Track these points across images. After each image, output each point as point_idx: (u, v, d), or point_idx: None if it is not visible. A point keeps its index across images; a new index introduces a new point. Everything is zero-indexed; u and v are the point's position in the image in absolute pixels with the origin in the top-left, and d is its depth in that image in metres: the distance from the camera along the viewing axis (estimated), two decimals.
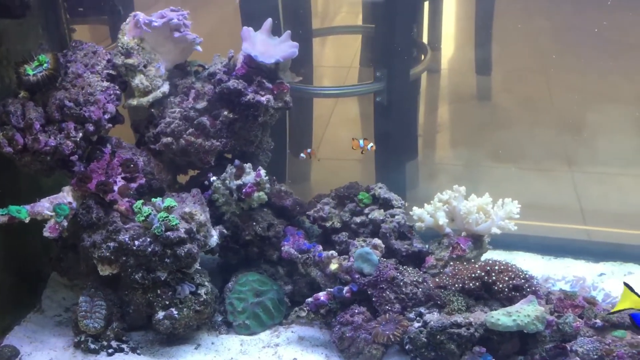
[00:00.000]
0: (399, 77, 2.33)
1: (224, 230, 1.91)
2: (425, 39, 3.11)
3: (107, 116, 1.80)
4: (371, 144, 1.95)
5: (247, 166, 1.91)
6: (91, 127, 1.77)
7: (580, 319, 1.66)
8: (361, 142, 1.94)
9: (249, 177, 1.89)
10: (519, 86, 3.26)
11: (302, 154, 1.99)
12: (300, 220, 2.04)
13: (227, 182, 1.90)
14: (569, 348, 1.62)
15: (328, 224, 1.95)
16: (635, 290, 1.34)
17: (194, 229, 1.78)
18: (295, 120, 2.70)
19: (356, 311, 1.79)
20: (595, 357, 1.58)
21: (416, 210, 1.89)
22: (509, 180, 2.72)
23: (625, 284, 1.38)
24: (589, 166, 2.72)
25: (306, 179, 2.82)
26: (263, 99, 1.86)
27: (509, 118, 3.11)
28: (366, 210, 1.93)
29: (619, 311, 1.41)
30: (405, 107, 2.43)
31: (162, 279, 1.78)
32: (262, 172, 1.89)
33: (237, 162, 1.91)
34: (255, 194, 1.89)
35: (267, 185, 1.91)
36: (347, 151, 3.02)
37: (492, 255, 1.95)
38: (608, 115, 2.81)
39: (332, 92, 2.45)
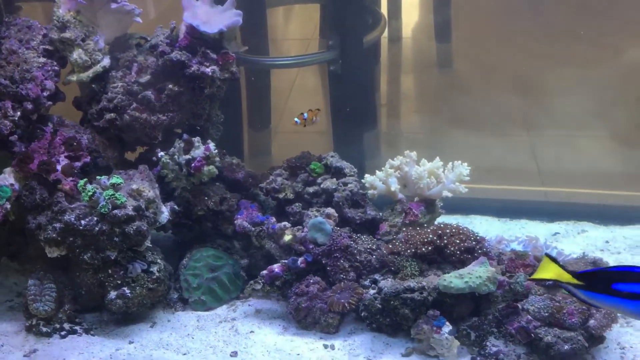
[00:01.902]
0: (352, 45, 2.30)
1: (175, 207, 1.88)
2: (385, 8, 3.08)
3: (45, 93, 1.74)
4: (316, 118, 1.91)
5: (196, 140, 1.87)
6: (29, 106, 1.72)
7: None
8: (305, 114, 1.90)
9: (198, 151, 1.86)
10: (479, 52, 3.25)
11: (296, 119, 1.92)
12: (255, 193, 2.02)
13: (175, 157, 1.86)
14: (520, 307, 1.63)
15: (281, 196, 1.92)
16: (558, 261, 1.35)
17: (143, 206, 1.75)
18: (252, 93, 2.66)
19: (311, 281, 1.78)
20: (546, 314, 1.59)
21: (368, 178, 1.88)
22: (470, 146, 2.72)
23: (547, 254, 1.38)
24: (546, 129, 2.73)
25: (267, 152, 2.79)
26: (208, 70, 1.81)
27: (469, 85, 3.10)
28: (319, 180, 1.92)
29: (540, 279, 1.40)
30: (361, 76, 2.40)
31: (112, 258, 1.74)
32: (212, 145, 1.86)
33: (185, 136, 1.87)
34: (205, 168, 1.86)
35: (217, 159, 1.87)
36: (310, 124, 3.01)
37: (449, 219, 1.95)
38: (564, 78, 2.82)
39: (283, 62, 2.42)
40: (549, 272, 1.34)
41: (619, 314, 1.61)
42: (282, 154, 2.84)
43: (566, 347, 1.55)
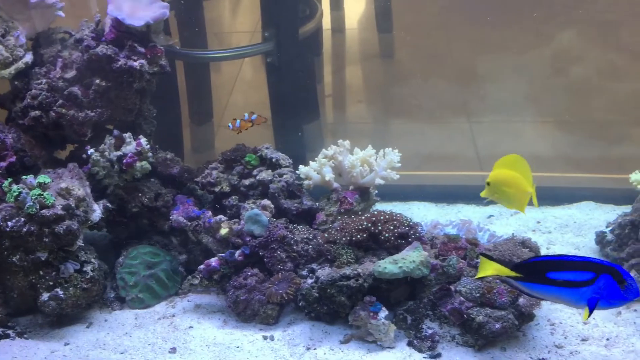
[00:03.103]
0: (288, 36, 2.29)
1: (108, 204, 1.84)
2: None
3: None
4: (255, 115, 1.90)
5: (127, 136, 1.84)
6: None
7: (463, 260, 1.70)
8: (246, 114, 1.89)
9: (130, 147, 1.83)
10: (420, 42, 3.29)
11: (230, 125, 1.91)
12: (192, 188, 2.00)
13: (106, 153, 1.83)
14: (453, 289, 1.66)
15: (217, 189, 1.91)
16: (493, 258, 1.41)
17: (73, 205, 1.71)
18: (192, 88, 2.63)
19: (249, 273, 1.78)
20: (477, 294, 1.63)
21: (302, 168, 1.88)
22: (413, 133, 2.76)
23: (482, 254, 1.43)
24: (485, 115, 2.79)
25: (210, 147, 2.77)
26: (136, 64, 1.78)
27: (410, 74, 3.14)
28: (254, 172, 1.91)
29: (483, 277, 1.47)
30: (300, 67, 2.40)
31: (43, 259, 1.70)
32: (143, 140, 1.83)
33: (115, 132, 1.84)
34: (138, 164, 1.83)
35: (150, 154, 1.84)
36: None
37: (388, 207, 1.97)
38: (502, 66, 2.88)
39: (219, 55, 2.39)
40: (488, 269, 1.40)
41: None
42: (226, 148, 2.83)
43: (497, 325, 1.59)
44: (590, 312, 1.31)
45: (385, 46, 3.39)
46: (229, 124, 1.89)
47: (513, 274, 1.37)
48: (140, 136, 1.84)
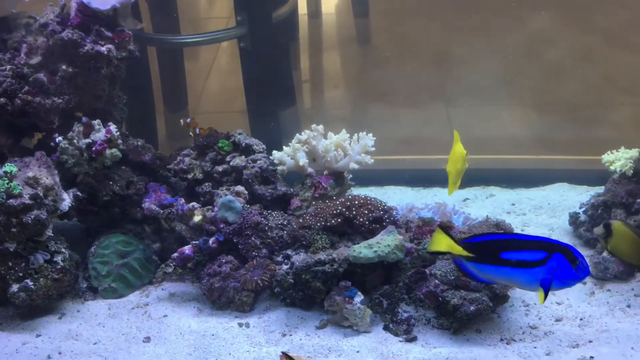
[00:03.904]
0: (261, 20, 2.26)
1: (78, 193, 1.80)
2: None
3: None
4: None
5: (96, 123, 1.80)
6: None
7: None
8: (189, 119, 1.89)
9: (99, 135, 1.79)
10: (396, 27, 3.27)
11: (181, 120, 1.91)
12: (164, 176, 1.97)
13: (75, 141, 1.79)
14: (428, 272, 1.66)
15: (190, 176, 1.88)
16: (450, 232, 1.35)
17: (41, 194, 1.67)
18: (166, 74, 2.59)
19: (223, 261, 1.76)
20: (452, 277, 1.63)
21: (276, 154, 1.86)
22: (390, 118, 2.75)
23: (440, 225, 1.39)
24: (461, 99, 2.79)
25: (186, 134, 2.73)
26: (103, 49, 1.74)
27: (387, 59, 3.12)
28: (228, 158, 1.89)
29: (436, 253, 1.42)
30: (274, 53, 2.37)
31: (12, 250, 1.67)
32: (113, 127, 1.79)
33: (84, 119, 1.80)
34: (108, 152, 1.79)
35: (120, 141, 1.81)
36: (227, 103, 2.95)
37: (365, 191, 1.97)
38: (478, 49, 2.88)
39: (190, 40, 2.35)
40: (441, 245, 1.34)
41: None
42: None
43: (472, 308, 1.59)
44: (546, 293, 1.28)
45: (362, 31, 3.37)
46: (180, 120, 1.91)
47: (465, 253, 1.31)
48: (110, 123, 1.80)
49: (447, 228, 1.44)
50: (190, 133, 1.93)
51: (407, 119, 2.74)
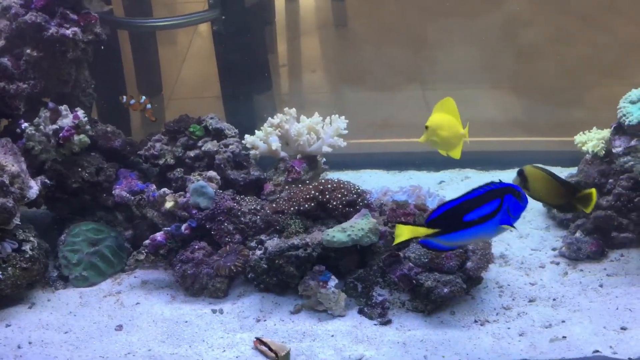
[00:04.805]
0: (234, 2, 2.22)
1: (47, 180, 1.77)
2: None
3: None
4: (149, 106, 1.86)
5: (63, 108, 1.76)
6: None
7: None
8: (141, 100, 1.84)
9: (66, 120, 1.75)
10: (373, 10, 3.24)
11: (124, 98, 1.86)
12: (136, 162, 1.94)
13: (41, 127, 1.75)
14: (402, 255, 1.66)
15: (161, 162, 1.86)
16: (407, 222, 1.37)
17: (7, 182, 1.64)
18: (140, 59, 2.54)
19: (196, 247, 1.74)
20: (426, 260, 1.62)
21: (248, 138, 1.84)
22: (367, 102, 2.74)
23: (397, 223, 1.39)
24: (438, 82, 2.78)
25: (160, 120, 2.70)
26: (69, 32, 1.70)
27: (364, 43, 3.10)
28: (199, 143, 1.86)
29: (402, 243, 1.41)
30: (248, 36, 2.34)
31: None
32: (80, 113, 1.76)
33: (50, 104, 1.76)
34: (76, 138, 1.76)
35: (88, 127, 1.77)
36: (203, 88, 2.91)
37: (340, 176, 1.94)
38: (455, 33, 2.87)
39: (161, 24, 2.30)
40: (404, 234, 1.35)
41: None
42: None
43: (445, 290, 1.59)
44: (512, 225, 1.33)
45: (339, 15, 3.34)
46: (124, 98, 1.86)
47: (430, 231, 1.33)
48: (78, 108, 1.77)
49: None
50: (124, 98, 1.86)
51: (384, 103, 2.73)
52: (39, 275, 1.74)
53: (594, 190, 1.41)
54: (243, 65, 2.31)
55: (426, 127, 1.54)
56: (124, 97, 1.83)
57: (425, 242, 1.35)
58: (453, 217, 1.31)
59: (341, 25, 3.35)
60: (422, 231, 1.34)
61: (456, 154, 1.52)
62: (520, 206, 1.32)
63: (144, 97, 1.80)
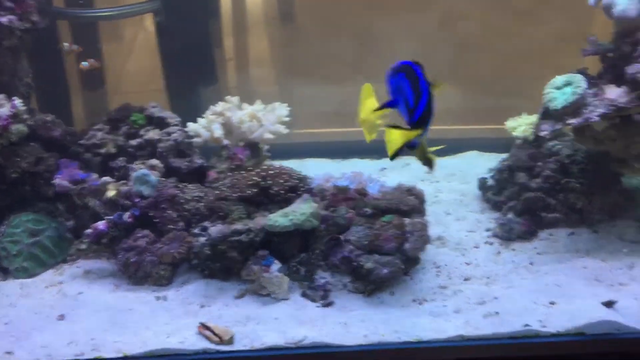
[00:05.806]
0: None
1: None
2: None
3: None
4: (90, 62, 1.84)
5: (0, 97, 1.73)
6: None
7: (352, 210, 1.74)
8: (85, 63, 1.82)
9: (3, 110, 1.72)
10: (319, 3, 3.28)
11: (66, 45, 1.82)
12: (77, 151, 1.92)
13: None
14: (343, 238, 1.70)
15: (103, 151, 1.85)
16: (395, 125, 1.33)
17: None
18: (82, 51, 2.51)
19: (139, 235, 1.74)
20: (366, 242, 1.67)
21: (191, 126, 1.85)
22: (313, 95, 2.76)
23: (386, 126, 1.35)
24: (381, 75, 2.83)
25: (104, 114, 2.66)
26: (4, 19, 1.68)
27: (312, 35, 3.13)
28: (142, 132, 1.86)
29: (396, 153, 1.34)
30: (191, 28, 2.33)
31: None
32: (18, 102, 1.73)
33: None
34: (14, 127, 1.73)
35: (26, 116, 1.75)
36: (149, 82, 2.89)
37: (285, 164, 1.97)
38: (398, 25, 2.93)
39: (101, 14, 2.28)
40: (398, 140, 1.31)
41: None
42: None
43: (385, 271, 1.64)
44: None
45: (285, 9, 3.36)
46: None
47: (419, 131, 1.31)
48: (15, 97, 1.74)
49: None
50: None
51: (330, 95, 2.77)
52: None
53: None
54: (187, 58, 2.31)
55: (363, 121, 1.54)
56: (65, 44, 1.80)
57: (415, 143, 1.33)
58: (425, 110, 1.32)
59: (288, 19, 3.38)
60: (413, 133, 1.31)
61: (368, 137, 1.52)
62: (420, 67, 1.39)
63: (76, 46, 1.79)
